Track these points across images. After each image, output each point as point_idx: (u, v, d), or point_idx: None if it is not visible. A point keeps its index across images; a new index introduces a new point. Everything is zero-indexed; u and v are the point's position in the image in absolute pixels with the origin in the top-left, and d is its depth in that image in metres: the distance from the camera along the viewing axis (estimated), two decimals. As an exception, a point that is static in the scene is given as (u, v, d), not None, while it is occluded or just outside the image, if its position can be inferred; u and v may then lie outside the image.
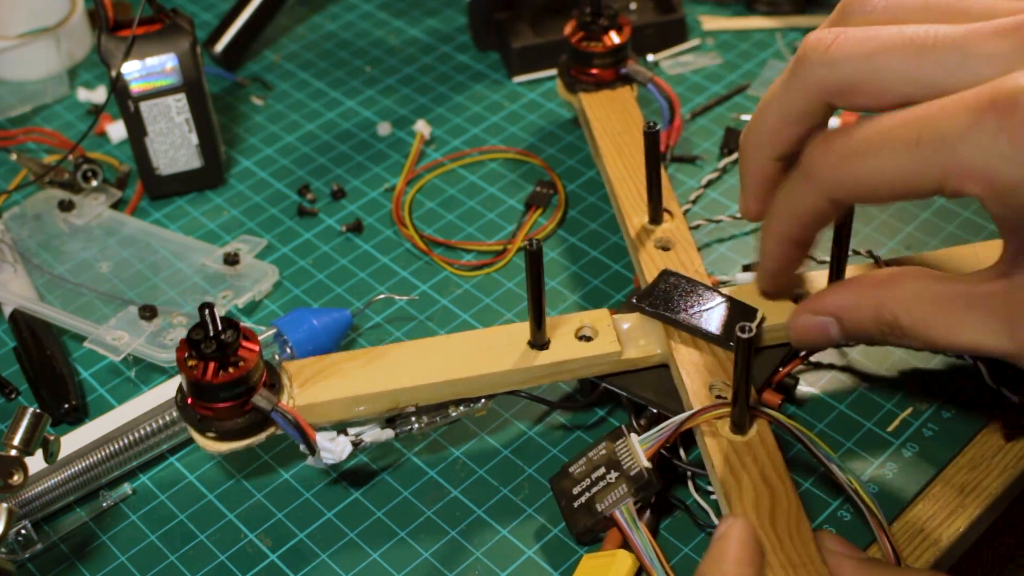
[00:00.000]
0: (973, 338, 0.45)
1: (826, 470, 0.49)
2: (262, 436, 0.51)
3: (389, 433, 0.54)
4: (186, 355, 0.50)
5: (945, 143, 0.40)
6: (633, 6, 0.83)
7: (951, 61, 0.42)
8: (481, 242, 0.69)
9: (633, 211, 0.62)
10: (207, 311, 0.48)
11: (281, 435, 0.52)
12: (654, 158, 0.58)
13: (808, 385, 0.58)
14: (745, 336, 0.46)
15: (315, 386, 0.52)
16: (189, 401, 0.51)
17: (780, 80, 0.48)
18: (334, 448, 0.52)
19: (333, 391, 0.52)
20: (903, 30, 0.44)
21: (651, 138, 0.58)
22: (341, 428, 0.53)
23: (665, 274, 0.57)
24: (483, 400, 0.54)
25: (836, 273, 0.55)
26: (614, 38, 0.69)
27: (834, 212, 0.47)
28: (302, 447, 0.51)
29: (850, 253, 0.56)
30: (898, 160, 0.42)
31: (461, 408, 0.54)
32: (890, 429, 0.56)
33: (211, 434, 0.51)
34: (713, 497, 0.53)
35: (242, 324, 0.50)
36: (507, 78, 0.82)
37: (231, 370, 0.49)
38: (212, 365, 0.49)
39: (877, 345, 0.49)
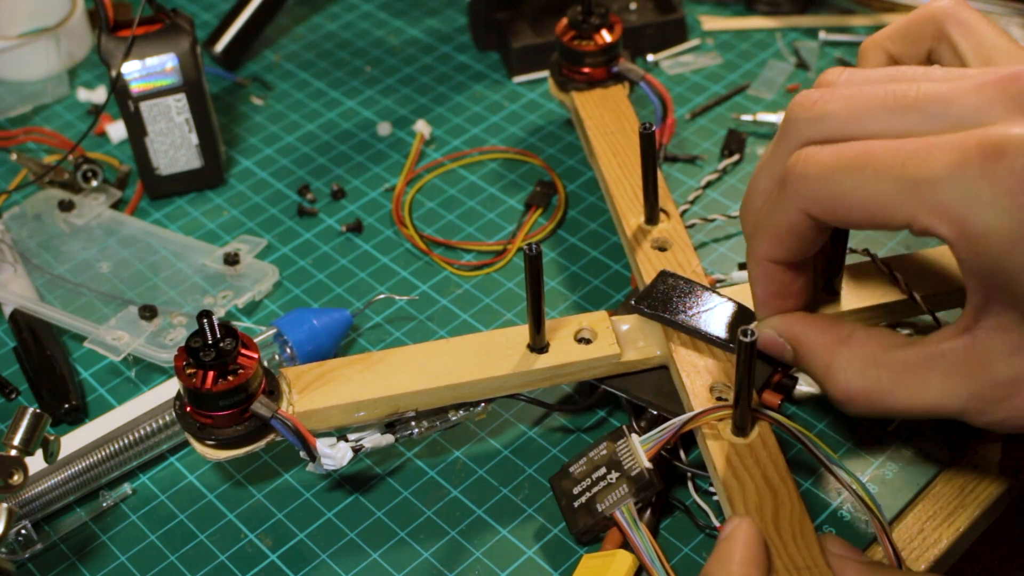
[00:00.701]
0: (933, 399, 0.45)
1: (828, 472, 0.49)
2: (262, 443, 0.51)
3: (389, 438, 0.53)
4: (185, 364, 0.49)
5: (926, 179, 0.41)
6: (633, 6, 0.83)
7: (933, 114, 0.43)
8: (481, 242, 0.69)
9: (629, 211, 0.62)
10: (206, 320, 0.48)
11: (281, 438, 0.52)
12: (650, 159, 0.58)
13: (808, 385, 0.58)
14: (748, 340, 0.45)
15: (314, 392, 0.52)
16: (188, 409, 0.51)
17: (770, 145, 0.48)
18: (334, 454, 0.52)
19: (332, 397, 0.52)
20: (886, 87, 0.44)
21: (647, 139, 0.58)
22: (341, 433, 0.53)
23: (663, 275, 0.57)
24: (483, 404, 0.54)
25: (833, 273, 0.54)
26: (605, 36, 0.69)
27: (814, 234, 0.47)
28: (302, 453, 0.51)
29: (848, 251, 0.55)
30: (878, 185, 0.42)
31: (461, 412, 0.54)
32: (890, 429, 0.56)
33: (210, 442, 0.51)
34: (714, 498, 0.53)
35: (240, 331, 0.50)
36: (507, 78, 0.82)
37: (230, 378, 0.49)
38: (211, 374, 0.49)
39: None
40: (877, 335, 0.48)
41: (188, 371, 0.49)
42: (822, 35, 0.82)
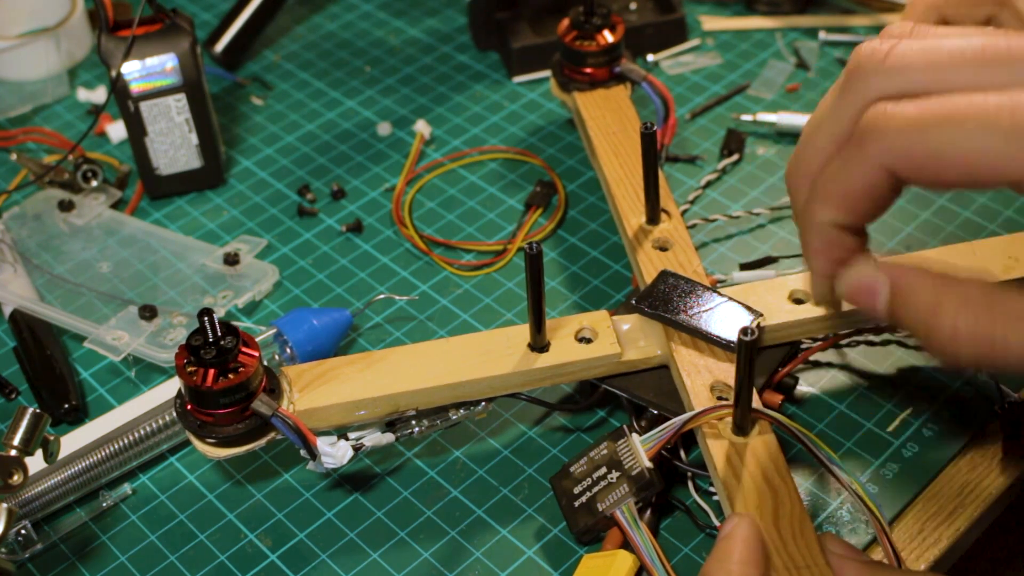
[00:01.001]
0: None
1: (828, 472, 0.49)
2: (262, 441, 0.51)
3: (389, 437, 0.53)
4: (185, 362, 0.49)
5: None
6: (633, 6, 0.83)
7: None
8: (481, 242, 0.69)
9: (631, 211, 0.62)
10: (206, 317, 0.48)
11: (281, 437, 0.52)
12: (651, 159, 0.58)
13: (808, 385, 0.58)
14: (748, 339, 0.45)
15: (315, 391, 0.52)
16: (189, 407, 0.51)
17: (828, 98, 0.44)
18: (335, 453, 0.52)
19: (333, 395, 0.52)
20: (970, 40, 0.40)
21: (648, 139, 0.58)
22: (341, 432, 0.53)
23: (664, 275, 0.57)
24: (483, 403, 0.54)
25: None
26: (607, 37, 0.69)
27: (890, 194, 0.42)
28: (303, 452, 0.51)
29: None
30: (985, 139, 0.39)
31: (461, 411, 0.54)
32: (890, 429, 0.56)
33: (211, 440, 0.51)
34: (714, 498, 0.53)
35: (241, 329, 0.50)
36: (507, 78, 0.82)
37: (231, 376, 0.49)
38: (212, 372, 0.49)
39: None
40: (984, 280, 0.43)
41: (189, 369, 0.49)
42: (822, 35, 0.82)
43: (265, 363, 0.59)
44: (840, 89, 0.43)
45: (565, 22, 0.70)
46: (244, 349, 0.50)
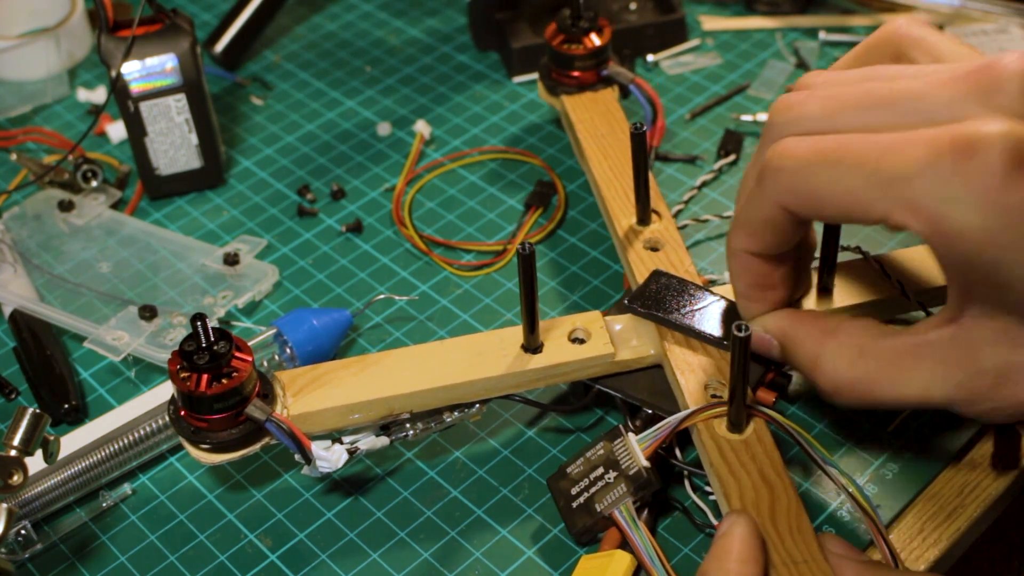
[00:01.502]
0: (921, 388, 0.45)
1: (823, 471, 0.49)
2: (256, 446, 0.51)
3: (384, 440, 0.53)
4: (179, 367, 0.49)
5: (900, 176, 0.41)
6: (633, 6, 0.83)
7: (907, 110, 0.43)
8: (481, 242, 0.69)
9: (621, 213, 0.62)
10: (199, 323, 0.48)
11: (275, 442, 0.51)
12: (641, 159, 0.58)
13: (809, 385, 0.58)
14: (742, 335, 0.45)
15: (309, 395, 0.52)
16: (182, 413, 0.51)
17: (755, 154, 0.49)
18: (330, 457, 0.52)
19: (327, 400, 0.52)
20: (862, 86, 0.45)
21: (637, 140, 0.57)
22: (336, 436, 0.53)
23: (656, 274, 0.57)
24: (477, 405, 0.54)
25: (826, 271, 0.55)
26: (595, 40, 0.69)
27: (790, 227, 0.47)
28: (297, 457, 0.51)
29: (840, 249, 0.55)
30: (853, 181, 0.42)
31: (456, 414, 0.54)
32: (890, 429, 0.56)
33: (205, 446, 0.51)
34: (712, 497, 0.53)
35: (235, 334, 0.50)
36: (507, 78, 0.82)
37: (224, 381, 0.49)
38: (205, 377, 0.49)
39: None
40: (864, 325, 0.48)
41: (182, 374, 0.49)
42: (822, 35, 0.82)
43: (265, 364, 0.59)
44: (761, 138, 0.48)
45: (552, 26, 0.70)
46: (237, 354, 0.50)
